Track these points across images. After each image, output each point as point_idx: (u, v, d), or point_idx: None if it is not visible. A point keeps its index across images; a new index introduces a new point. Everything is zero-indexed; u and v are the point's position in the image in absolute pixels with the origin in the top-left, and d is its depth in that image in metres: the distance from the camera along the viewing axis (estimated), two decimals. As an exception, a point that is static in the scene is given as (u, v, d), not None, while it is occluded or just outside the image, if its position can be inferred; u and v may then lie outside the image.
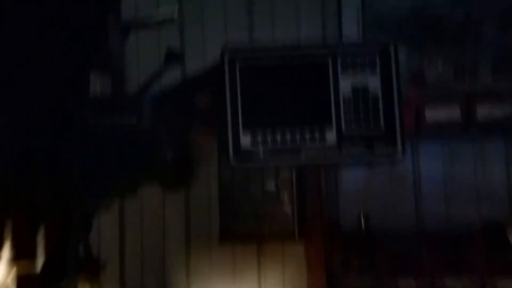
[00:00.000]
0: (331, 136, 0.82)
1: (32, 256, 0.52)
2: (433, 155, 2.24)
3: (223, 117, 0.82)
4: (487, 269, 1.63)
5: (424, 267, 1.71)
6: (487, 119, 1.67)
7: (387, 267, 1.75)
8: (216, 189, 2.24)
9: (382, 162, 0.84)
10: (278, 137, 0.81)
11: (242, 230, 2.16)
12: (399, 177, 2.31)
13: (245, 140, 0.81)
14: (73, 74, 0.55)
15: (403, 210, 2.24)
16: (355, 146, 0.82)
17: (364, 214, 2.23)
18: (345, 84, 0.84)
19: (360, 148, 0.82)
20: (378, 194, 2.30)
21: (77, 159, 0.56)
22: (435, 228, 2.14)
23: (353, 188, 2.34)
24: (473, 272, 1.64)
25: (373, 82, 0.84)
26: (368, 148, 0.82)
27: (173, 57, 0.91)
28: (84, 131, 0.60)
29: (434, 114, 1.66)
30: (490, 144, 2.13)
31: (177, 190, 2.45)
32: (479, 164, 2.18)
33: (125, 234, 2.57)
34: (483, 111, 1.66)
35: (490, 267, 1.63)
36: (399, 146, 0.82)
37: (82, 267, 0.70)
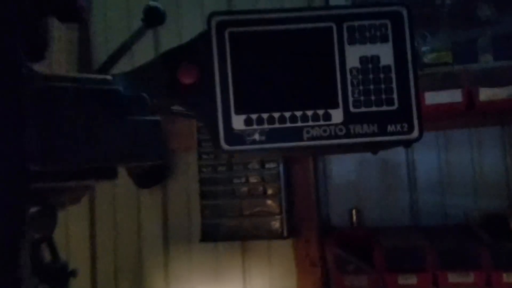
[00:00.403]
0: (336, 113, 0.72)
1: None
2: (428, 144, 2.19)
3: (211, 93, 0.71)
4: (492, 263, 1.59)
5: (425, 262, 1.65)
6: (489, 102, 1.63)
7: (385, 263, 1.69)
8: (196, 183, 2.14)
9: (396, 143, 0.75)
10: (276, 116, 0.70)
11: (225, 228, 2.06)
12: (392, 167, 2.26)
13: (238, 119, 0.70)
14: (26, 21, 0.44)
15: (397, 202, 2.19)
16: (365, 124, 0.72)
17: (356, 208, 2.17)
18: (352, 53, 0.74)
19: (370, 126, 0.72)
20: (371, 185, 2.24)
21: (30, 127, 0.45)
22: (433, 219, 2.10)
23: (344, 179, 2.27)
24: (478, 266, 1.59)
25: (385, 51, 0.75)
26: (380, 127, 0.72)
27: (155, 16, 0.79)
28: (39, 91, 0.48)
29: (434, 97, 1.60)
30: (487, 131, 2.10)
31: (153, 185, 2.34)
32: (475, 152, 2.15)
33: (96, 233, 2.45)
34: (485, 94, 1.61)
35: (494, 261, 1.59)
36: (416, 124, 0.72)
37: (45, 275, 0.58)
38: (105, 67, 0.75)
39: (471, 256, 1.64)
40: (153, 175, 2.34)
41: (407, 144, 0.80)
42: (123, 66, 0.80)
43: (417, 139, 0.80)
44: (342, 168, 2.30)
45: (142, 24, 0.81)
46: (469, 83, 1.68)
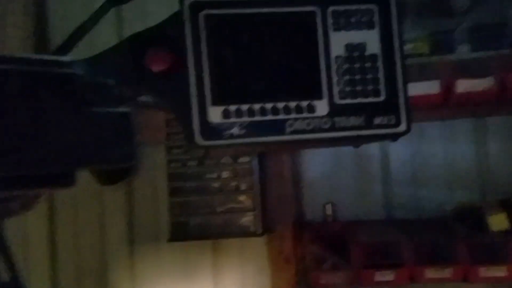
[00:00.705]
0: (321, 105, 0.69)
1: None
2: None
3: (184, 82, 0.65)
4: (468, 257, 1.61)
5: (402, 258, 1.66)
6: (465, 94, 1.64)
7: (362, 259, 1.68)
8: (164, 179, 2.07)
9: (383, 136, 0.72)
10: (256, 107, 0.66)
11: (196, 226, 2.01)
12: (366, 159, 2.26)
13: (214, 111, 0.65)
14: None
15: (371, 195, 2.19)
16: (351, 117, 0.68)
17: (330, 202, 2.16)
18: (337, 40, 0.70)
19: (356, 119, 0.68)
20: (344, 179, 2.23)
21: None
22: (407, 212, 2.11)
23: (318, 173, 2.25)
24: (454, 260, 1.61)
25: (371, 38, 0.71)
26: (366, 119, 0.69)
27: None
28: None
29: (411, 88, 1.58)
30: (460, 123, 2.13)
31: (117, 182, 2.25)
32: (448, 144, 2.18)
33: (56, 233, 2.35)
34: (462, 85, 1.62)
35: (471, 255, 1.61)
36: (404, 116, 0.69)
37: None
38: (63, 49, 0.67)
39: (448, 250, 1.66)
40: (117, 171, 2.25)
41: (394, 137, 0.77)
42: (83, 53, 0.73)
43: (405, 133, 0.77)
44: (315, 161, 2.28)
45: (104, 1, 0.74)
46: (446, 74, 1.68)
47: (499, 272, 1.58)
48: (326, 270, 1.71)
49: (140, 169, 2.27)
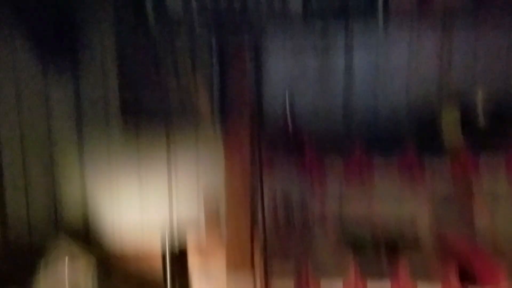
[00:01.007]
0: (295, 4, 0.62)
1: None
2: (365, 40, 2.13)
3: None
4: (415, 157, 1.69)
5: (354, 164, 1.72)
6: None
7: (316, 164, 1.73)
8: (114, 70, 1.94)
9: (361, 42, 0.68)
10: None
11: (149, 119, 1.96)
12: (330, 67, 2.21)
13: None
14: None
15: (332, 101, 2.18)
16: (324, 19, 0.63)
17: (290, 106, 2.13)
18: None
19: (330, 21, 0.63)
20: (306, 85, 2.19)
21: None
22: (365, 118, 2.13)
23: (279, 73, 2.19)
24: (403, 160, 1.69)
25: None
26: (345, 22, 0.64)
27: None
28: None
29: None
30: (427, 31, 2.08)
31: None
32: (413, 53, 2.15)
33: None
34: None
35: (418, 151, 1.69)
36: (380, 21, 0.65)
37: None
38: None
39: (396, 151, 1.74)
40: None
41: (371, 43, 0.73)
42: None
43: (383, 37, 0.73)
44: (278, 60, 2.20)
45: None
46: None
47: (446, 169, 1.72)
48: (280, 172, 1.75)
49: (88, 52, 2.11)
